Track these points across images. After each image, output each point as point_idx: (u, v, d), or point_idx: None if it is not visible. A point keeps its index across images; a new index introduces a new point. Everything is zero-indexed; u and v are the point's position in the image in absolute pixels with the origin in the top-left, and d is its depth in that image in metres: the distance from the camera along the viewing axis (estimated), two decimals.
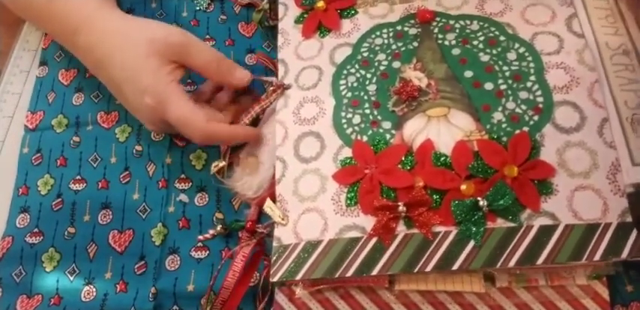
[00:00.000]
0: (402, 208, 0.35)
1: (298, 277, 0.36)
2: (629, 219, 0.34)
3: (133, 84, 0.41)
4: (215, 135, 0.41)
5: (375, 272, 0.35)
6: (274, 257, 0.37)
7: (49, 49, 0.53)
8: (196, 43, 0.43)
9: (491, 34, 0.42)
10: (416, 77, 0.41)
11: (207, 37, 0.51)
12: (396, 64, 0.42)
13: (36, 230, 0.45)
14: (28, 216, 0.46)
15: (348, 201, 0.37)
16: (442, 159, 0.37)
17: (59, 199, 0.46)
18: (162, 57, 0.41)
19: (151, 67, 0.41)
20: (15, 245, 0.45)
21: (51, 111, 0.50)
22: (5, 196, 0.47)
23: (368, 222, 0.36)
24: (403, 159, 0.38)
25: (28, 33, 0.56)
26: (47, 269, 0.44)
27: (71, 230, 0.44)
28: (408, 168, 0.37)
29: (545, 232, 0.34)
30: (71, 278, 0.43)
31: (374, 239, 0.36)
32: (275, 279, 0.36)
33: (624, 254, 0.33)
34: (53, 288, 0.43)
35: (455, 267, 0.34)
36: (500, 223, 0.35)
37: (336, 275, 0.35)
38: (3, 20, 0.56)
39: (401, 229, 0.36)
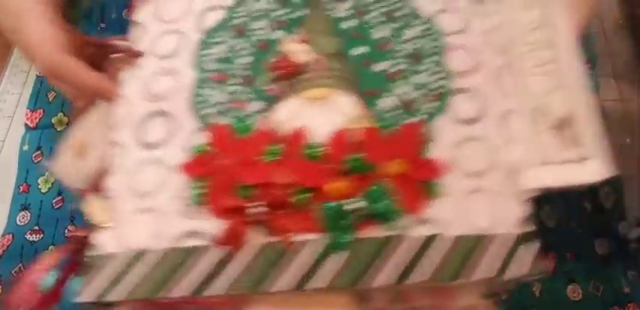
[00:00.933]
0: (258, 210, 0.28)
1: (111, 297, 0.27)
2: (528, 228, 0.29)
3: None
4: (66, 70, 0.34)
5: (211, 291, 0.27)
6: (85, 270, 0.28)
7: None
8: None
9: (391, 7, 0.35)
10: (298, 51, 0.34)
11: None
12: (278, 34, 0.35)
13: (36, 227, 0.45)
14: (29, 214, 0.46)
15: (194, 199, 0.30)
16: (315, 150, 0.30)
17: (60, 197, 0.46)
18: None
19: None
20: (15, 242, 0.45)
21: (51, 110, 0.49)
22: (6, 194, 0.48)
23: (216, 226, 0.29)
24: (268, 148, 0.30)
25: None
26: None
27: (71, 228, 0.44)
28: (273, 159, 0.30)
29: (429, 243, 0.28)
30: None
31: (220, 250, 0.28)
32: (82, 299, 0.27)
33: (519, 272, 0.28)
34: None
35: (315, 285, 0.27)
36: (376, 231, 0.29)
37: (161, 295, 0.27)
38: None
39: (255, 237, 0.29)
